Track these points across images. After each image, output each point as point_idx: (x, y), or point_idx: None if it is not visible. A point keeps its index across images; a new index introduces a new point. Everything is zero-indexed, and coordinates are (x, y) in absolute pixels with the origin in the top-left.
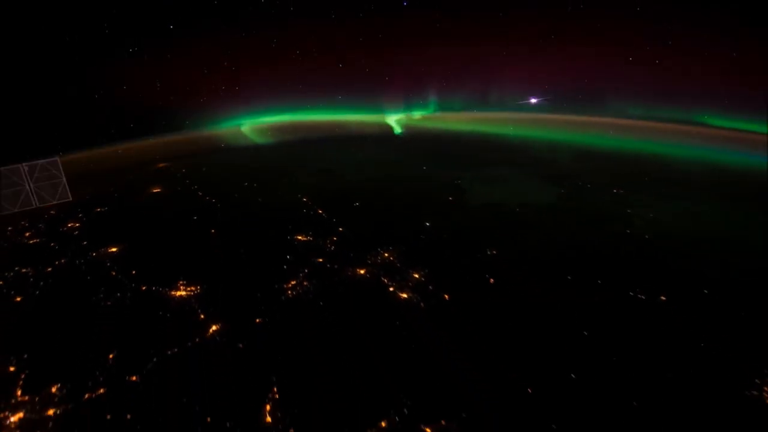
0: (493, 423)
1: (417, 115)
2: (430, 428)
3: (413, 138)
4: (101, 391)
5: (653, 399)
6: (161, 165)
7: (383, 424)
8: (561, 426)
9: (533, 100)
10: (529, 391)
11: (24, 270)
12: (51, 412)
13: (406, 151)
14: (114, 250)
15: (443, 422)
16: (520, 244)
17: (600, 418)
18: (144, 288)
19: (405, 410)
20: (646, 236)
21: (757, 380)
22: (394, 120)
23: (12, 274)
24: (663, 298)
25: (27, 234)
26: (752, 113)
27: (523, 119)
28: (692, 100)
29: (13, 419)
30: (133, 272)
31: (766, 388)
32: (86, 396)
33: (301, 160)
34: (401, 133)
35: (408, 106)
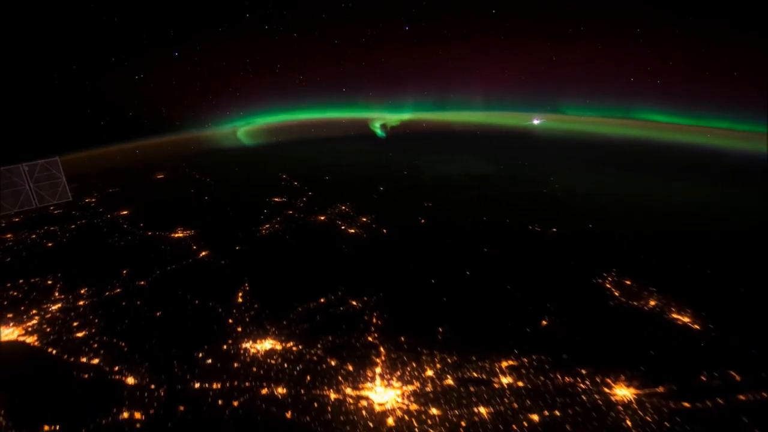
0: (400, 300)
1: (399, 116)
2: (356, 301)
3: (393, 135)
4: (117, 290)
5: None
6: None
7: (322, 300)
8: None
9: (536, 122)
10: (432, 281)
11: (52, 228)
12: (81, 303)
13: (381, 144)
14: (125, 212)
15: (365, 298)
16: (452, 198)
17: (479, 311)
18: (149, 233)
19: (339, 292)
20: (558, 194)
21: (605, 276)
22: (378, 121)
23: (42, 231)
24: (554, 229)
25: (51, 207)
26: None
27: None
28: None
29: (53, 308)
30: (141, 224)
31: (609, 279)
32: (106, 293)
33: (286, 152)
34: (383, 132)
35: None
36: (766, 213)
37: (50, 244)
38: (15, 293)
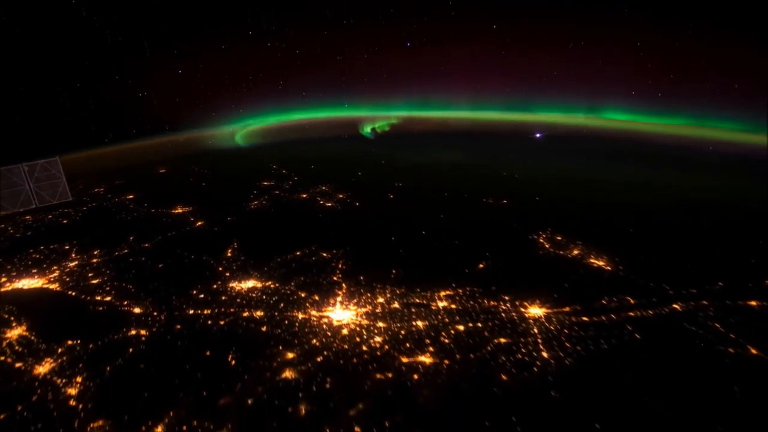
0: (364, 252)
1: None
2: (326, 253)
3: (381, 135)
4: (125, 250)
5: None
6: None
7: (298, 253)
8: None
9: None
10: (393, 239)
11: (66, 210)
12: (94, 260)
13: (368, 142)
14: (131, 196)
15: (334, 251)
16: (420, 179)
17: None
18: (153, 210)
19: (312, 247)
20: (516, 176)
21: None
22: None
23: (58, 212)
24: (505, 201)
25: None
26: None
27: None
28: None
29: (71, 265)
30: (145, 205)
31: (543, 235)
32: (116, 253)
33: (279, 149)
34: (371, 134)
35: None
36: (690, 189)
37: (65, 221)
38: (37, 256)
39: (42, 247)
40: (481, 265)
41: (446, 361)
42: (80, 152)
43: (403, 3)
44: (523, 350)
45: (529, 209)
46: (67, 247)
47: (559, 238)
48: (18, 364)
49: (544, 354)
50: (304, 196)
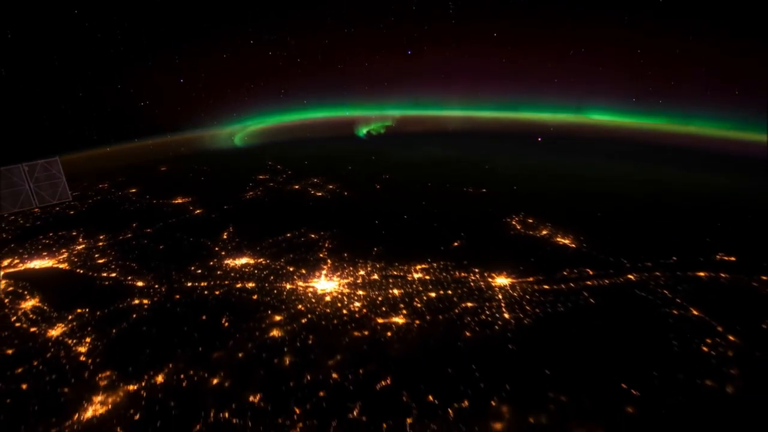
0: (349, 233)
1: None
2: (314, 234)
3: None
4: (129, 235)
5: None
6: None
7: (288, 234)
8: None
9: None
10: (377, 222)
11: (73, 203)
12: (100, 243)
13: (362, 141)
14: (134, 190)
15: (322, 232)
16: (406, 173)
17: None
18: (154, 201)
19: (302, 229)
20: (498, 170)
21: (511, 219)
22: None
23: (66, 203)
24: (484, 190)
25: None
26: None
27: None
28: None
29: (78, 248)
30: (147, 197)
31: (516, 218)
32: (120, 237)
33: (276, 148)
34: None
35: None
36: (662, 180)
37: (72, 212)
38: (47, 241)
39: (51, 234)
40: (456, 243)
41: (417, 321)
42: (80, 152)
43: (404, 11)
44: (487, 312)
45: (505, 197)
46: (74, 234)
47: (530, 220)
48: (33, 329)
49: (506, 315)
50: (297, 187)
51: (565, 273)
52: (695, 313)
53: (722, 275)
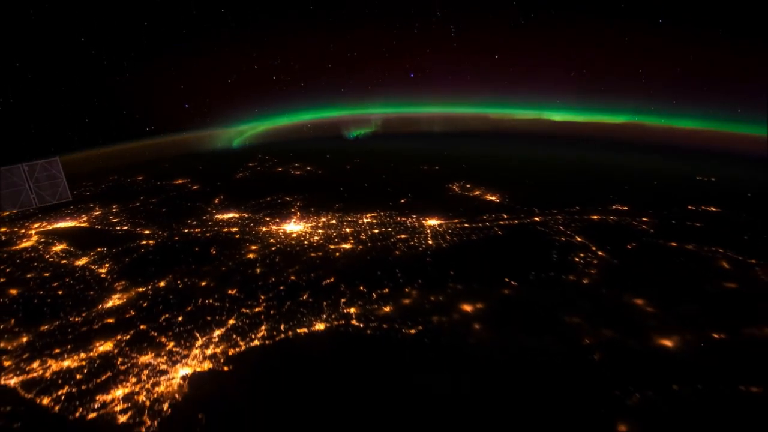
0: (317, 197)
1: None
2: (289, 197)
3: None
4: (137, 203)
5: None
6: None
7: (268, 198)
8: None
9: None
10: (341, 188)
11: (87, 184)
12: (114, 209)
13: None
14: (140, 178)
15: (295, 196)
16: (378, 159)
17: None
18: (158, 183)
19: (279, 194)
20: (457, 155)
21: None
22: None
23: (77, 191)
24: (437, 167)
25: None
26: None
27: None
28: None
29: (95, 213)
30: (152, 180)
31: (457, 185)
32: (130, 205)
33: (270, 145)
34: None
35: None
36: (595, 161)
37: (88, 194)
38: (68, 210)
39: (71, 207)
40: (402, 200)
41: (360, 247)
42: (80, 152)
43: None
44: (415, 240)
45: (454, 172)
46: (91, 205)
47: (468, 185)
48: (63, 261)
49: (430, 242)
50: (280, 169)
51: (484, 217)
52: (578, 239)
53: (611, 218)
